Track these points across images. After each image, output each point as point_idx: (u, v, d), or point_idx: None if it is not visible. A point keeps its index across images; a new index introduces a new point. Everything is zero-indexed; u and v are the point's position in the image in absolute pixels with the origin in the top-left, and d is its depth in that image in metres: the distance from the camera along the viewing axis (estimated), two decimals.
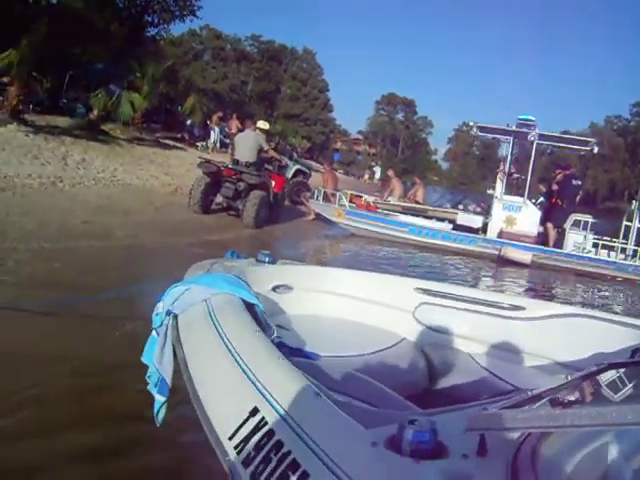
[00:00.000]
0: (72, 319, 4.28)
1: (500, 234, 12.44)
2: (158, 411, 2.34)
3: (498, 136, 14.18)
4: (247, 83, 58.83)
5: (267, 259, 3.22)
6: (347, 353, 2.72)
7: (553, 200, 12.67)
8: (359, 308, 3.24)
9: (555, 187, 12.60)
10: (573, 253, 11.95)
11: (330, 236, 12.59)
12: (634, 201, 12.41)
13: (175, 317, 2.26)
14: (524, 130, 12.49)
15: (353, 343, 2.91)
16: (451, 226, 12.80)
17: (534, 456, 1.22)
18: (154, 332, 2.39)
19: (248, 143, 11.12)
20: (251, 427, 1.40)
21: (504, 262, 11.78)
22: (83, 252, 6.67)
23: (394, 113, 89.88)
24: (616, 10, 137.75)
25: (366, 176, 46.61)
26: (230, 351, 1.73)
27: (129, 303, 5.17)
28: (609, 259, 11.90)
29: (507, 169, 12.89)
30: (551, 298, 9.01)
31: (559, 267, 11.83)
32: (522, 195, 12.69)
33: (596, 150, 12.72)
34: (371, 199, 14.06)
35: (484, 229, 12.78)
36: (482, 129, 13.32)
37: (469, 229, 12.72)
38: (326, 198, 13.29)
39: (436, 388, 2.73)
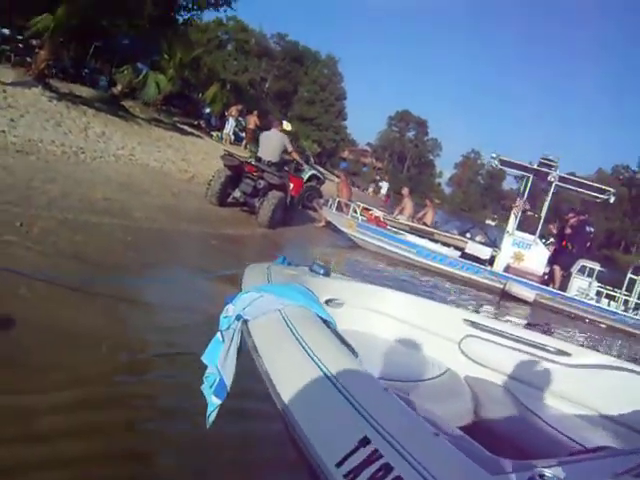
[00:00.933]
0: (101, 298, 4.28)
1: (507, 269, 12.47)
2: (210, 413, 2.32)
3: (516, 171, 14.19)
4: (266, 80, 58.90)
5: (322, 271, 3.21)
6: (395, 377, 2.71)
7: (564, 243, 12.71)
8: (406, 332, 3.23)
9: (569, 231, 12.65)
10: (576, 298, 11.98)
11: (338, 246, 12.58)
12: None
13: (245, 322, 2.24)
14: (545, 170, 12.53)
15: (400, 368, 2.90)
16: (459, 253, 12.82)
17: None
18: (219, 334, 2.38)
19: (273, 143, 11.10)
20: (363, 457, 1.37)
21: (507, 297, 11.80)
22: (104, 229, 6.62)
23: (405, 130, 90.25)
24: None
25: (370, 189, 46.66)
26: (324, 372, 1.70)
27: (155, 290, 5.16)
28: (610, 309, 11.94)
29: (523, 205, 12.91)
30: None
31: (560, 310, 11.87)
32: (533, 233, 12.73)
33: (612, 200, 12.78)
34: (380, 214, 14.07)
35: (491, 261, 12.80)
36: (503, 162, 13.34)
37: (476, 259, 12.75)
38: (339, 208, 13.28)
39: (481, 422, 2.72)
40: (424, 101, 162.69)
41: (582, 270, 12.39)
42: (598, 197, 12.86)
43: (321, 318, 2.26)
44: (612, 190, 12.78)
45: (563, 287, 12.27)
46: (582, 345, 9.28)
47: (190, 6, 25.58)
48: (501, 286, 12.01)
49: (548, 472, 1.26)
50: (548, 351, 3.13)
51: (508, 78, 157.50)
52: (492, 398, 2.87)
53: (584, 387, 2.97)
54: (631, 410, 2.78)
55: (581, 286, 12.21)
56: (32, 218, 5.89)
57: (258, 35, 61.06)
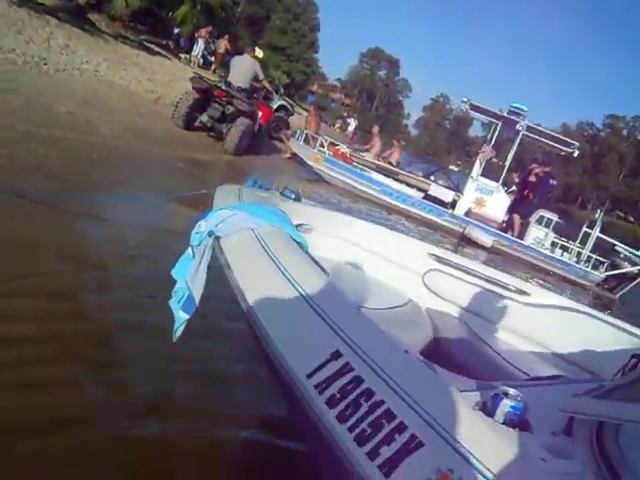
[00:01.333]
0: (64, 213, 4.22)
1: (468, 213, 12.65)
2: (177, 328, 2.34)
3: (485, 117, 14.20)
4: (238, 4, 56.97)
5: (293, 196, 3.21)
6: (359, 304, 2.76)
7: (525, 192, 12.92)
8: (373, 262, 3.29)
9: (533, 179, 12.81)
10: (532, 246, 12.26)
11: (304, 178, 12.52)
12: (599, 210, 12.82)
13: (217, 239, 2.25)
14: (514, 118, 12.58)
15: (364, 295, 2.95)
16: (422, 195, 12.92)
17: (617, 434, 1.29)
18: (190, 250, 2.38)
19: (244, 68, 10.84)
20: (334, 370, 1.41)
21: (465, 241, 12.01)
22: (69, 143, 6.45)
23: (377, 69, 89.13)
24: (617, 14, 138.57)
25: (337, 125, 46.18)
26: (297, 289, 1.73)
27: (117, 208, 5.10)
28: (563, 259, 12.27)
29: (489, 152, 12.99)
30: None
31: (515, 257, 12.15)
32: (497, 180, 12.88)
33: (576, 154, 12.95)
34: (347, 150, 13.99)
35: (453, 205, 12.95)
36: (473, 107, 13.34)
37: (439, 202, 12.88)
38: (307, 140, 13.16)
39: (439, 351, 2.82)
40: (397, 40, 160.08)
41: (540, 220, 12.63)
42: (562, 150, 13.01)
43: (294, 239, 2.27)
44: (577, 144, 12.95)
45: (521, 235, 12.53)
46: None
47: None
48: (461, 230, 12.20)
49: (512, 390, 1.33)
50: (509, 289, 3.23)
51: (481, 28, 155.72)
52: (451, 329, 2.97)
53: (539, 325, 3.09)
54: (581, 349, 2.91)
55: (538, 235, 12.48)
56: None
57: None
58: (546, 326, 3.07)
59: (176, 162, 7.98)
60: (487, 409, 1.30)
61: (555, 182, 13.65)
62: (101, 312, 3.15)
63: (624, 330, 2.98)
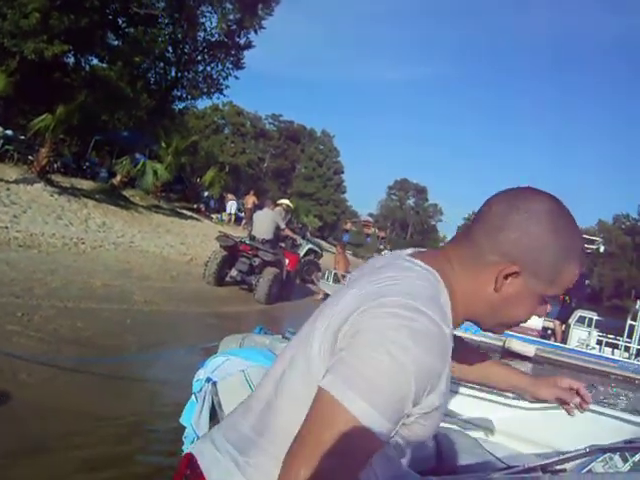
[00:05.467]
0: (97, 377, 4.53)
1: None
2: None
3: None
4: (264, 160, 60.29)
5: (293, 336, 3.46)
6: None
7: (561, 297, 12.90)
8: None
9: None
10: (577, 349, 12.06)
11: None
12: (639, 300, 12.64)
13: (214, 384, 2.50)
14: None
15: None
16: None
17: None
18: (193, 397, 2.64)
19: (266, 221, 11.50)
20: None
21: (507, 354, 11.88)
22: (104, 314, 6.89)
23: (405, 198, 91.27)
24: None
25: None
26: None
27: (149, 366, 5.39)
28: (612, 357, 11.98)
29: None
30: None
31: (562, 362, 11.91)
32: None
33: (602, 249, 13.03)
34: None
35: None
36: None
37: None
38: (336, 279, 13.54)
39: (444, 468, 2.90)
40: (422, 168, 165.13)
41: (581, 320, 12.51)
42: (589, 248, 13.11)
43: None
44: (599, 239, 13.08)
45: (564, 340, 12.37)
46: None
47: (184, 96, 26.79)
48: (501, 343, 12.12)
49: None
50: (506, 397, 3.33)
51: (504, 131, 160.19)
52: (454, 445, 3.05)
53: (540, 426, 3.16)
54: (582, 443, 2.96)
55: (581, 336, 12.29)
56: (33, 308, 6.18)
57: (253, 117, 62.97)
58: (547, 426, 3.14)
59: (208, 318, 8.36)
60: None
61: (588, 281, 13.64)
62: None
63: (621, 419, 3.04)
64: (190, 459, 1.16)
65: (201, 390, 2.58)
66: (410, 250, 1.19)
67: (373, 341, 0.92)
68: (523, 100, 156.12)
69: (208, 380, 2.56)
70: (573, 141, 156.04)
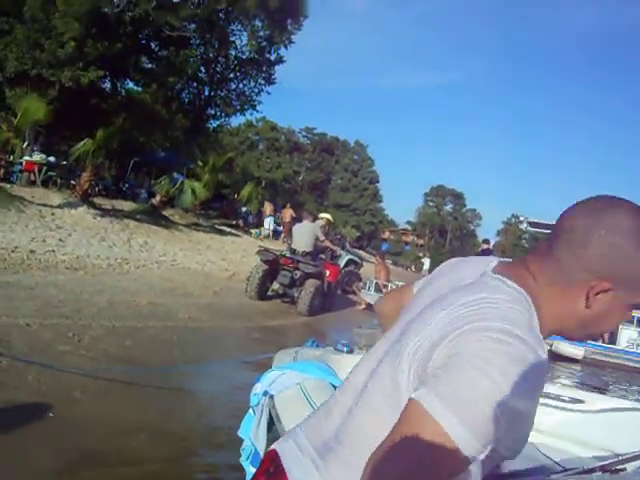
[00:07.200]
0: (146, 388, 4.63)
1: None
2: None
3: (546, 230, 14.28)
4: (299, 173, 60.60)
5: (345, 349, 3.47)
6: None
7: None
8: None
9: None
10: (626, 349, 11.79)
11: (378, 325, 12.68)
12: None
13: (271, 397, 2.53)
14: None
15: None
16: None
17: None
18: (251, 410, 2.68)
19: (306, 233, 11.56)
20: None
21: (556, 357, 11.68)
22: (150, 332, 7.01)
23: (442, 205, 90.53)
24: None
25: (412, 267, 46.84)
26: None
27: (198, 378, 5.50)
28: None
29: None
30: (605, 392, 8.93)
31: (611, 363, 11.66)
32: None
33: None
34: None
35: None
36: (532, 224, 13.53)
37: None
38: (378, 289, 13.51)
39: (501, 474, 2.86)
40: (457, 173, 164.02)
41: (630, 320, 12.23)
42: None
43: (335, 387, 2.52)
44: None
45: (613, 341, 12.11)
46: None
47: (218, 114, 27.13)
48: (549, 347, 11.88)
49: None
50: (564, 401, 3.28)
51: (539, 132, 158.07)
52: None
53: (599, 430, 3.10)
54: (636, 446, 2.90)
55: (631, 336, 12.04)
56: (83, 328, 6.31)
57: (287, 132, 63.38)
58: (606, 430, 3.08)
59: (251, 331, 8.44)
60: None
61: None
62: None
63: None
64: (274, 456, 1.19)
65: (259, 404, 2.63)
66: (494, 261, 1.19)
67: (473, 363, 0.92)
68: (560, 98, 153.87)
69: (265, 394, 2.60)
70: (614, 141, 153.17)
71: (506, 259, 1.20)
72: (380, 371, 1.09)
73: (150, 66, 23.10)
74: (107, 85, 22.48)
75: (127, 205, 18.35)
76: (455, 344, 0.95)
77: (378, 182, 68.21)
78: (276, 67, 26.92)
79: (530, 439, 3.01)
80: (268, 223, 25.78)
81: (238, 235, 22.09)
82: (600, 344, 11.92)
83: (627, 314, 1.11)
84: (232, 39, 25.67)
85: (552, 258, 1.08)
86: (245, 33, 25.51)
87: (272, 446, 1.24)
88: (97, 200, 16.52)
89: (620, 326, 12.02)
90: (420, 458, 0.89)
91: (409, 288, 1.38)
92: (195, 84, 26.38)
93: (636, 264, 1.03)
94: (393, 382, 1.04)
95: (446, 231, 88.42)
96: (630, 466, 2.13)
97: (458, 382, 0.92)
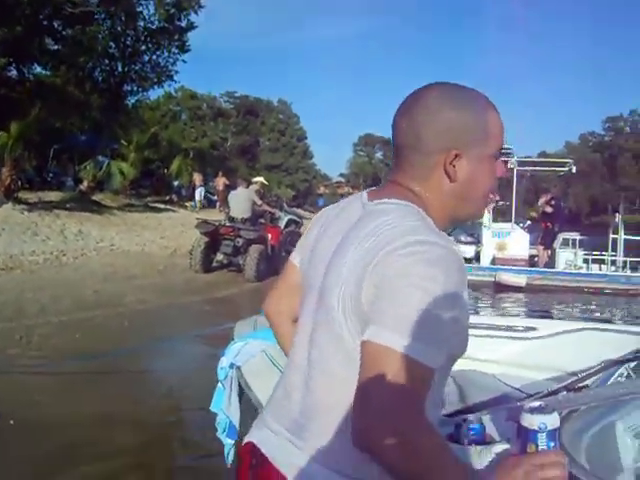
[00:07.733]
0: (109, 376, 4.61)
1: (493, 261, 12.78)
2: (228, 453, 2.63)
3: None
4: (226, 139, 59.64)
5: None
6: None
7: (544, 224, 13.09)
8: None
9: (549, 210, 12.97)
10: (565, 271, 12.28)
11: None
12: (617, 214, 12.87)
13: (238, 369, 2.57)
14: (503, 159, 12.91)
15: None
16: None
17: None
18: (220, 384, 2.71)
19: (242, 200, 11.51)
20: None
21: (500, 287, 12.06)
22: (99, 320, 6.93)
23: (373, 153, 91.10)
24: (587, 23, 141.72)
25: None
26: None
27: (158, 359, 5.50)
28: (600, 272, 12.24)
29: (492, 198, 13.29)
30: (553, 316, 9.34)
31: (553, 286, 12.12)
32: (509, 221, 13.10)
33: (574, 170, 13.20)
34: None
35: (477, 257, 13.12)
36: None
37: (464, 260, 13.02)
38: None
39: (470, 407, 2.99)
40: (384, 119, 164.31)
41: (565, 242, 12.73)
42: (561, 171, 13.28)
43: None
44: (570, 161, 13.25)
45: (551, 264, 12.59)
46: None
47: (135, 89, 26.32)
48: (492, 279, 12.29)
49: (471, 416, 1.57)
50: (517, 330, 3.43)
51: (465, 67, 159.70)
52: (475, 385, 3.14)
53: (552, 353, 3.26)
54: (595, 362, 3.07)
55: (568, 258, 12.53)
56: (29, 328, 6.20)
57: (208, 98, 62.04)
58: (559, 351, 3.24)
59: (202, 305, 8.44)
60: (455, 438, 1.54)
61: (565, 204, 13.88)
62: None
63: (625, 332, 3.15)
64: (252, 448, 1.17)
65: (226, 377, 2.66)
66: (363, 193, 1.21)
67: (400, 283, 0.95)
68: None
69: (232, 366, 2.63)
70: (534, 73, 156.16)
71: (372, 188, 1.23)
72: (316, 337, 1.10)
73: (56, 47, 22.05)
74: (13, 72, 21.48)
75: (54, 195, 17.79)
76: (376, 274, 0.98)
77: (306, 138, 67.77)
78: (188, 34, 26.16)
79: (489, 370, 3.15)
80: (199, 194, 25.36)
81: (174, 210, 21.78)
82: (540, 269, 12.37)
83: (498, 167, 1.18)
84: (139, 10, 24.71)
85: (406, 164, 1.13)
86: (152, 2, 24.57)
87: (246, 439, 1.22)
88: (22, 194, 15.95)
89: (557, 250, 12.52)
90: (399, 391, 0.91)
91: (291, 266, 1.35)
92: (107, 61, 25.39)
93: (462, 122, 1.10)
94: (334, 338, 1.05)
95: (379, 178, 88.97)
96: (591, 382, 2.27)
97: (396, 306, 0.95)
